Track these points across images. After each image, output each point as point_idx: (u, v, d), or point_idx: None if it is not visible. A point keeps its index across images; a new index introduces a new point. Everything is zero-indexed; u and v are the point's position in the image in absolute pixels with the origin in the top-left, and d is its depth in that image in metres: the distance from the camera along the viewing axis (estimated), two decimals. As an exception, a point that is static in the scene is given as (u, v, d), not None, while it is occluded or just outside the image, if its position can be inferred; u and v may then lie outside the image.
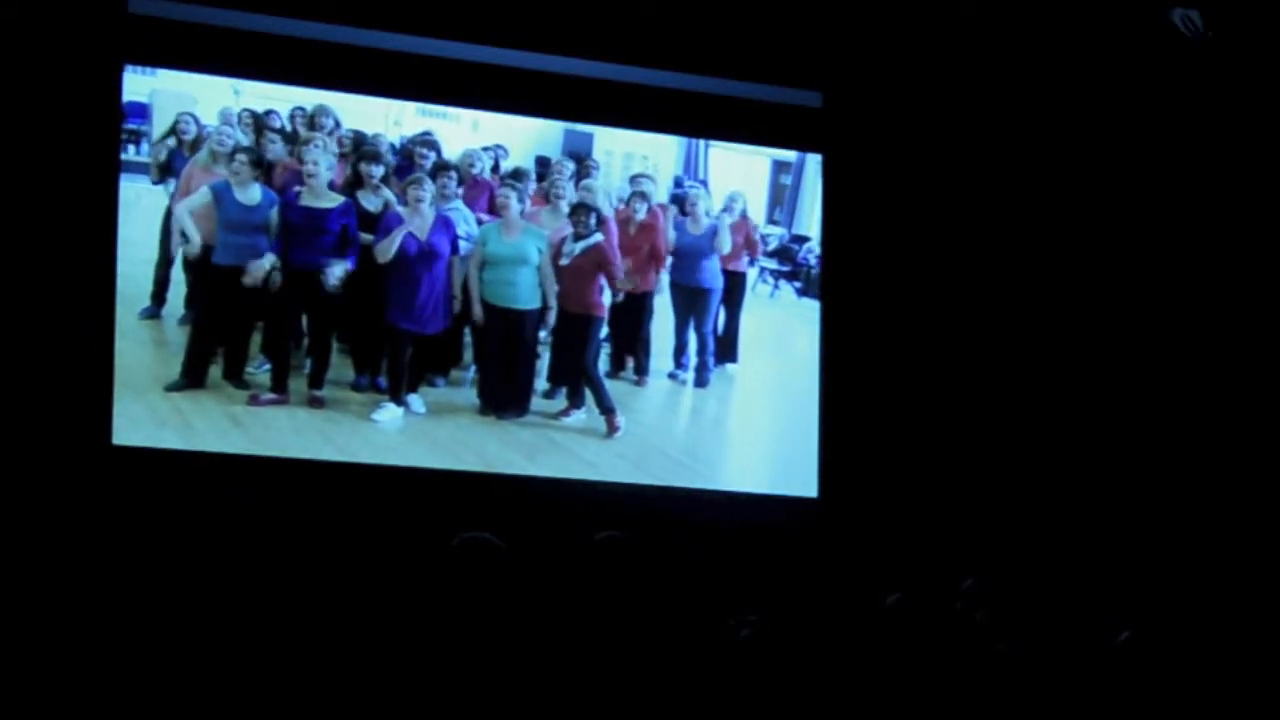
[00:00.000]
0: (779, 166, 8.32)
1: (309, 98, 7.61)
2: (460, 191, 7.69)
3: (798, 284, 8.38)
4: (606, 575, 4.52)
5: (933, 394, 7.79)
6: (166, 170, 7.44)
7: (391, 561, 6.15)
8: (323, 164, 7.39)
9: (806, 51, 7.78)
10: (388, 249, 7.45)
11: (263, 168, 7.39)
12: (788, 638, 5.15)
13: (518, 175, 7.86)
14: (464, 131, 7.89)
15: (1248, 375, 7.85)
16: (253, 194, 7.35)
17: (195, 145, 7.43)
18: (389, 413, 7.53)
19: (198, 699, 5.07)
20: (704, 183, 8.20)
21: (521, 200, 7.64)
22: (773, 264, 8.45)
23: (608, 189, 7.97)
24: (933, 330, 7.86)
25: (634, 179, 8.05)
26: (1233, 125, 7.84)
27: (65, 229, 6.73)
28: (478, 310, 7.64)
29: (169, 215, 7.35)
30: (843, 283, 7.89)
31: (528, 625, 4.33)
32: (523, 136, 7.95)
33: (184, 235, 7.27)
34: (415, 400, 7.61)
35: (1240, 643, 5.88)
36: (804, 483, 7.74)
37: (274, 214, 7.35)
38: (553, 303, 7.72)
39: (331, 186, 7.47)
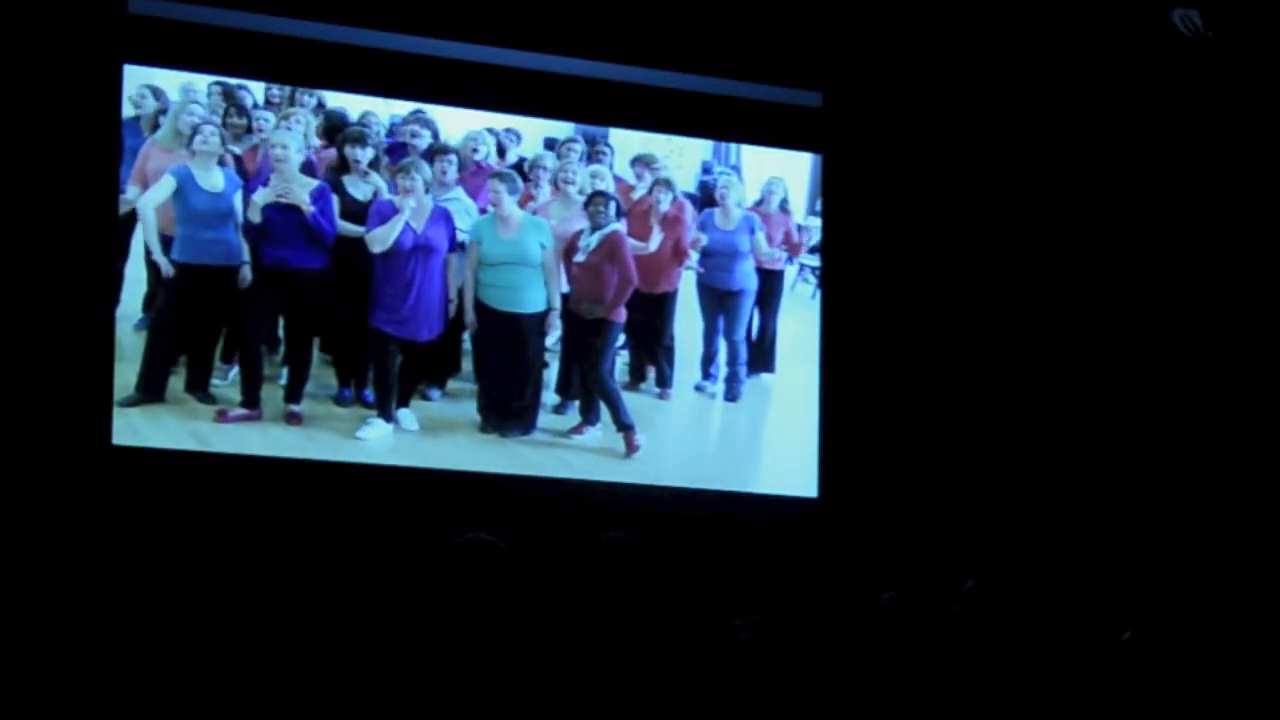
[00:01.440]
0: (823, 150, 7.80)
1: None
2: (460, 178, 7.12)
3: (844, 283, 7.68)
4: (606, 576, 4.52)
5: (933, 394, 7.81)
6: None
7: (391, 562, 6.15)
8: (292, 146, 6.80)
9: (806, 51, 7.79)
10: (385, 237, 6.85)
11: (225, 145, 6.80)
12: (787, 638, 5.16)
13: (532, 167, 7.28)
14: (463, 111, 7.33)
15: (1247, 375, 7.86)
16: (215, 179, 6.76)
17: (155, 123, 6.82)
18: (376, 430, 6.93)
19: (197, 698, 5.08)
20: (736, 169, 7.65)
21: (513, 193, 7.05)
22: (815, 260, 7.76)
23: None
24: (933, 331, 7.87)
25: (638, 162, 7.46)
26: (1233, 125, 7.85)
27: (64, 228, 6.72)
28: (470, 315, 7.07)
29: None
30: (843, 283, 7.87)
31: (527, 626, 4.33)
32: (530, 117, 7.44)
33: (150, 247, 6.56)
34: (406, 416, 7.02)
35: (1240, 643, 5.88)
36: (804, 483, 7.61)
37: (238, 199, 6.74)
38: (557, 304, 7.15)
39: (313, 172, 6.91)
